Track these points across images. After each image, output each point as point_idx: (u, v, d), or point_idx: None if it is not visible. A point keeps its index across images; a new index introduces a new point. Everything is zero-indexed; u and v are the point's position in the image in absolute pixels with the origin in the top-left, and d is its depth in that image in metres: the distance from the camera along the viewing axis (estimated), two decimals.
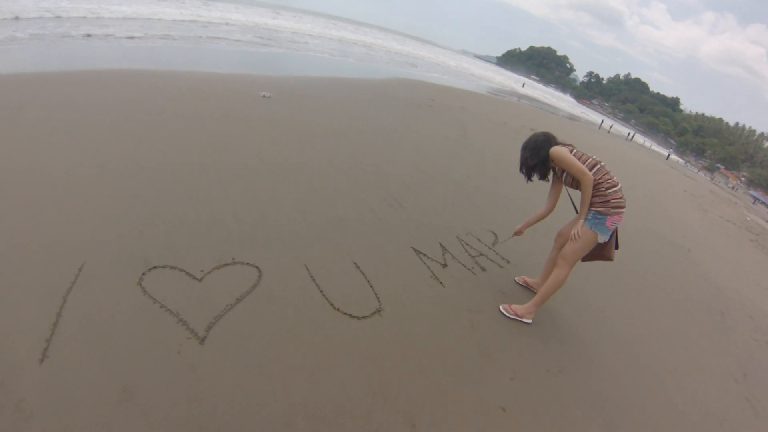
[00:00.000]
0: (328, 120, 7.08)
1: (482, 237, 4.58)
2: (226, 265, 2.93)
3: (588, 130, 31.06)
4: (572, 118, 38.98)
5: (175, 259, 2.86)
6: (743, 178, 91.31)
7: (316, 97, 8.56)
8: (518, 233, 3.82)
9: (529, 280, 4.04)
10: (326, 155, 5.51)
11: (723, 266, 7.84)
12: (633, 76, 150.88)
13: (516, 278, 3.98)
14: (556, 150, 3.20)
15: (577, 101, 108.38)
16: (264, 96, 7.43)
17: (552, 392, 2.80)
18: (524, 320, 3.42)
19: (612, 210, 3.09)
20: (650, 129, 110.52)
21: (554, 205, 3.57)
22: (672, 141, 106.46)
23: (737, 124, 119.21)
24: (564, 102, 67.81)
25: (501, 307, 3.49)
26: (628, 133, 53.43)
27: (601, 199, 3.12)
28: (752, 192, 77.92)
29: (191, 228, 3.27)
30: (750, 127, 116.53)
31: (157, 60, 9.45)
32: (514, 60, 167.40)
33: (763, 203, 64.93)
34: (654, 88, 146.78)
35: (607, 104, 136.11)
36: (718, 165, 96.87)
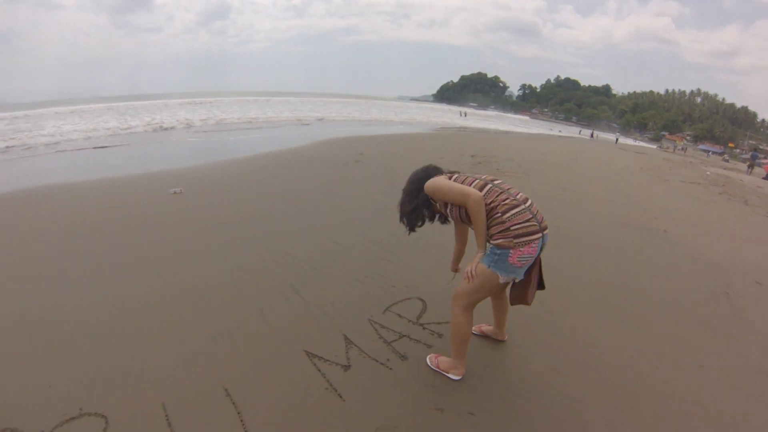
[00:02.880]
0: (234, 208, 6.09)
1: (405, 311, 3.45)
2: (71, 419, 2.26)
3: (536, 139, 31.17)
4: (530, 134, 39.38)
5: (18, 418, 2.25)
6: (689, 137, 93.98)
7: (231, 183, 7.64)
8: (456, 270, 3.00)
9: (484, 327, 3.13)
10: (219, 254, 4.48)
11: (705, 234, 6.98)
12: (563, 77, 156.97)
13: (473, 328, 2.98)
14: (428, 183, 2.50)
15: (531, 117, 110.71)
16: (174, 192, 6.63)
17: None
18: (450, 376, 2.64)
19: (515, 241, 2.25)
20: (592, 120, 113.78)
21: (465, 241, 2.82)
22: (615, 125, 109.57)
23: (667, 90, 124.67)
24: (500, 119, 69.00)
25: (428, 358, 2.79)
26: (591, 133, 55.47)
27: (498, 228, 2.29)
28: (701, 146, 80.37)
29: (43, 375, 2.59)
30: (679, 90, 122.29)
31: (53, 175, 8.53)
32: (449, 93, 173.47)
33: (715, 153, 66.76)
34: (585, 82, 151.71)
35: (546, 110, 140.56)
36: (663, 133, 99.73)
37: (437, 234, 4.45)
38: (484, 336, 3.10)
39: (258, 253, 4.52)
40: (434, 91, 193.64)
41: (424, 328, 3.19)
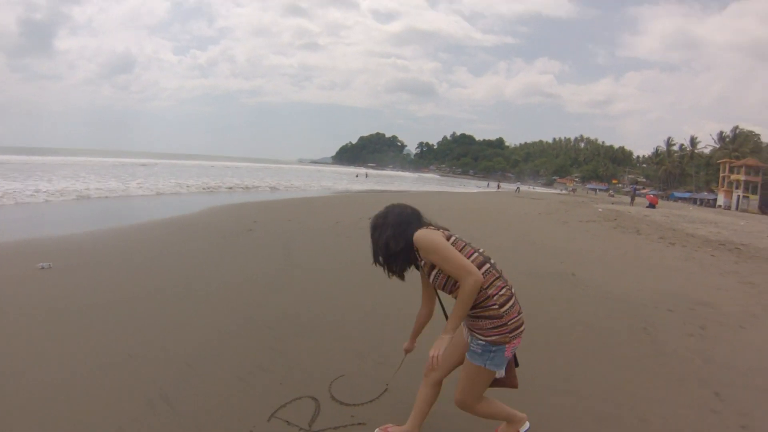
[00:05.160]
0: (107, 287, 5.13)
1: (294, 415, 2.72)
2: None
3: (438, 195, 32.34)
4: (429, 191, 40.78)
5: None
6: (577, 179, 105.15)
7: (108, 256, 6.61)
8: (408, 350, 2.63)
9: (390, 429, 2.44)
10: (78, 349, 3.40)
11: (611, 270, 7.32)
12: (459, 133, 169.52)
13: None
14: (423, 236, 2.13)
15: (440, 176, 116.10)
16: (42, 267, 5.72)
17: None
18: None
19: (511, 335, 2.07)
20: (489, 172, 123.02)
21: (434, 305, 2.47)
22: (510, 174, 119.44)
23: (554, 139, 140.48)
24: (407, 180, 71.78)
25: None
26: (497, 185, 63.57)
27: (495, 323, 2.06)
28: (589, 186, 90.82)
29: None
30: (565, 137, 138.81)
31: None
32: (348, 154, 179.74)
33: (601, 190, 75.81)
34: (479, 136, 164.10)
35: (444, 165, 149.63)
36: (554, 177, 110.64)
37: (329, 309, 3.95)
38: None
39: (125, 347, 3.57)
40: (333, 154, 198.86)
41: None
